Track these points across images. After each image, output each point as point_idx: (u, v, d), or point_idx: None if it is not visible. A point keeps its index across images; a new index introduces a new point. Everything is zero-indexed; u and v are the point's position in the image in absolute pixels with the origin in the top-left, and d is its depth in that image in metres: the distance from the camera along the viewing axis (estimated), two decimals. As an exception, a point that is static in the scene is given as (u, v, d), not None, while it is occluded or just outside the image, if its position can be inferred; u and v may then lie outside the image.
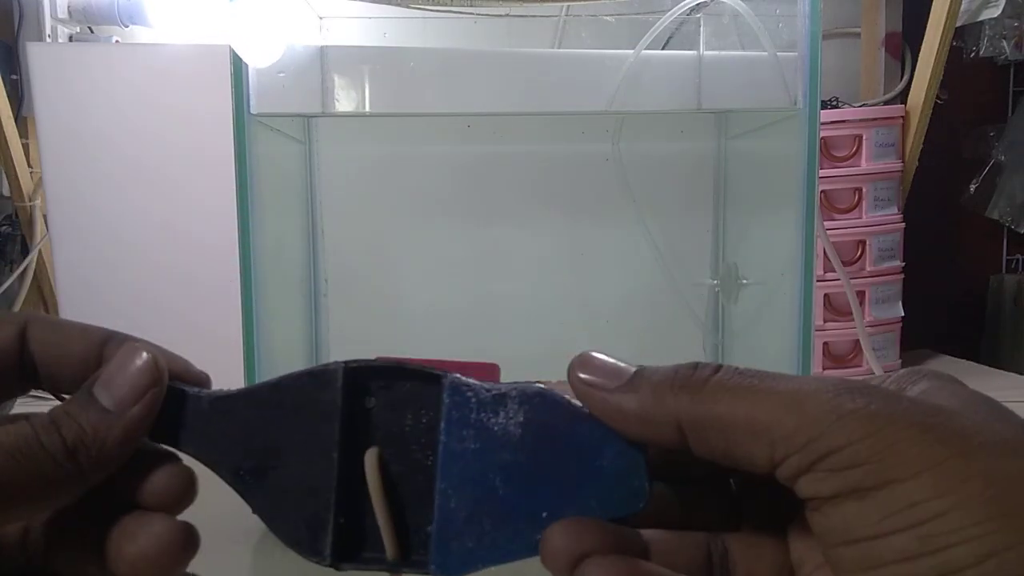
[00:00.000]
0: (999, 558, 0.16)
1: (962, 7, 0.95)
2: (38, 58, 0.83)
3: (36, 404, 0.87)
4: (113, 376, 0.22)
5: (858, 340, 0.92)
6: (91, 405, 0.22)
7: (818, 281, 0.91)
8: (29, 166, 1.03)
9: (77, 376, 0.24)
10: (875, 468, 0.17)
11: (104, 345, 0.25)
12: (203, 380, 0.25)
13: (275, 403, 0.23)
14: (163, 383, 0.23)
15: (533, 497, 0.21)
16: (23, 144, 1.02)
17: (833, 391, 0.18)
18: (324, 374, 0.23)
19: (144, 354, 0.23)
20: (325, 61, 0.71)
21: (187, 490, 0.25)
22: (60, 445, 0.21)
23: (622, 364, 0.21)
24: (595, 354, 0.22)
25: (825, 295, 0.96)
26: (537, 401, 0.22)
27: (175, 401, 0.23)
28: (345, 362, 0.23)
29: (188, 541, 0.24)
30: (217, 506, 0.62)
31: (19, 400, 0.94)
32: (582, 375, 0.21)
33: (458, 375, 0.22)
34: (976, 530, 0.16)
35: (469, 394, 0.22)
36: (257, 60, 0.54)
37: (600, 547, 0.20)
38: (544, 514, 0.21)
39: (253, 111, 0.53)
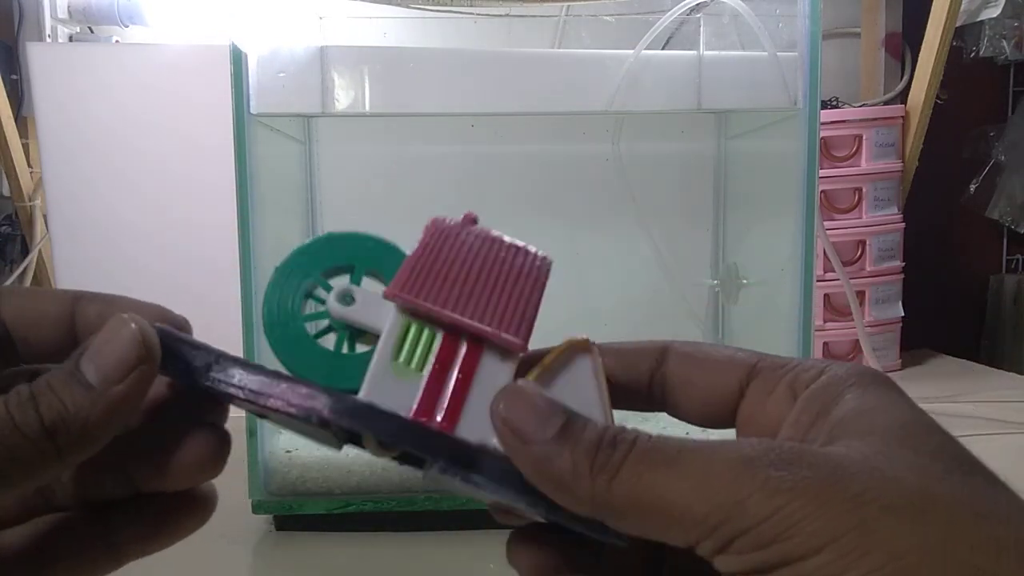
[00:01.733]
0: None
1: (962, 7, 0.95)
2: (38, 58, 0.83)
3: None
4: (100, 349, 0.20)
5: (858, 340, 0.92)
6: (74, 379, 0.20)
7: (818, 281, 0.91)
8: (29, 166, 1.03)
9: (53, 341, 0.23)
10: (779, 548, 0.17)
11: (76, 303, 0.24)
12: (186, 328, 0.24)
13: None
14: (154, 359, 0.21)
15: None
16: (23, 144, 1.02)
17: (739, 466, 0.18)
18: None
19: (132, 326, 0.21)
20: (325, 61, 0.71)
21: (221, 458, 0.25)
22: (37, 424, 0.19)
23: (553, 408, 0.20)
24: (526, 390, 0.21)
25: (825, 295, 0.96)
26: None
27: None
28: None
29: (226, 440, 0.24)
30: (217, 505, 0.62)
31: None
32: (504, 415, 0.20)
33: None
34: None
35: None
36: (255, 57, 0.54)
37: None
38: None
39: (253, 111, 0.53)
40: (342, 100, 0.72)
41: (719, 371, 0.23)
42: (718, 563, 0.18)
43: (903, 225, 0.99)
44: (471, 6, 0.68)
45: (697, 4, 0.64)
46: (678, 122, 0.76)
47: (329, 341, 0.23)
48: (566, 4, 0.75)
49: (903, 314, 1.00)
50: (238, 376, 0.21)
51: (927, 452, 0.18)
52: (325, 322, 0.23)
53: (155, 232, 0.84)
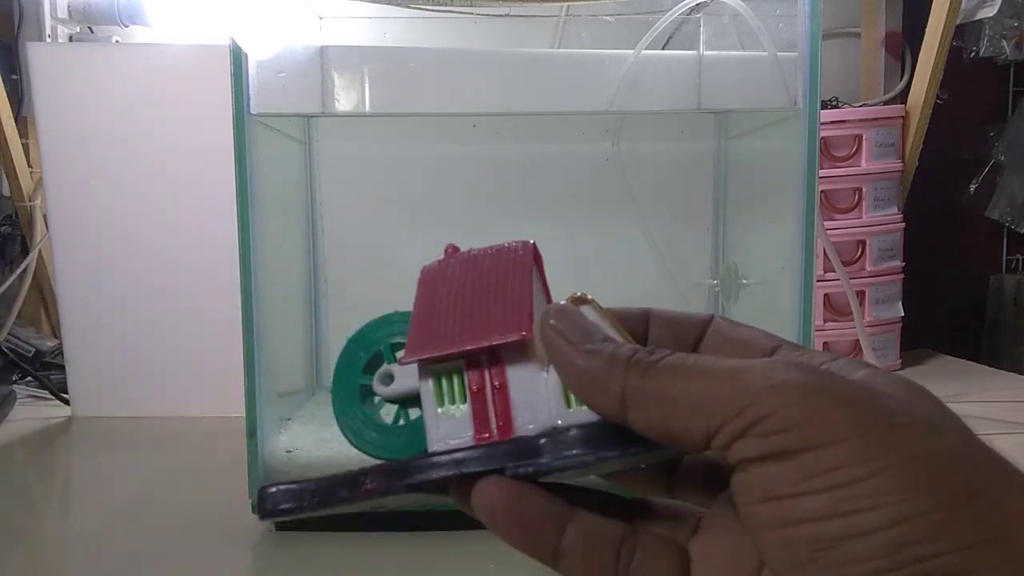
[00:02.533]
0: (910, 524, 0.17)
1: (961, 6, 0.95)
2: (38, 58, 0.83)
3: (36, 404, 0.87)
4: None
5: (858, 340, 0.92)
6: None
7: (818, 281, 0.91)
8: (29, 166, 1.03)
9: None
10: (801, 432, 0.18)
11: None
12: None
13: None
14: None
15: None
16: (23, 144, 1.02)
17: (769, 366, 0.19)
18: None
19: None
20: (325, 61, 0.71)
21: None
22: None
23: (599, 329, 0.23)
24: (580, 309, 0.23)
25: (825, 295, 0.96)
26: None
27: None
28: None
29: None
30: (217, 505, 0.62)
31: (19, 400, 0.94)
32: (552, 322, 0.23)
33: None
34: (891, 497, 0.17)
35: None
36: (255, 57, 0.53)
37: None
38: None
39: (253, 111, 0.53)
40: (342, 100, 0.72)
41: (741, 351, 0.25)
42: (734, 450, 0.19)
43: (903, 225, 0.99)
44: (471, 6, 0.68)
45: (697, 4, 0.64)
46: (678, 122, 0.76)
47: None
48: (566, 4, 0.75)
49: (903, 314, 1.00)
50: (337, 493, 0.25)
51: (940, 409, 0.20)
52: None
53: (155, 232, 0.84)
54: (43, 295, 1.07)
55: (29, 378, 0.93)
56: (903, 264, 1.00)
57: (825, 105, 1.02)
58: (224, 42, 0.52)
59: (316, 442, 0.56)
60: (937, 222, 1.25)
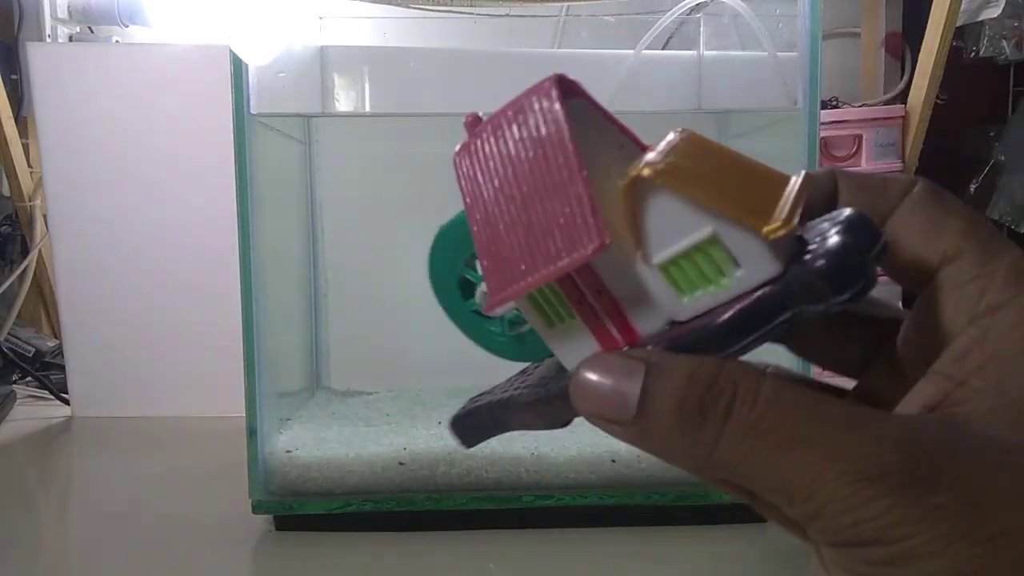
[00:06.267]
0: None
1: (962, 7, 0.95)
2: (38, 58, 0.83)
3: (36, 404, 0.87)
4: None
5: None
6: None
7: (818, 281, 0.91)
8: (29, 166, 1.03)
9: None
10: (893, 573, 0.16)
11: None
12: None
13: None
14: None
15: None
16: (23, 144, 1.02)
17: (870, 477, 0.16)
18: None
19: None
20: (325, 61, 0.71)
21: None
22: None
23: (620, 387, 0.18)
24: (590, 377, 0.19)
25: (825, 295, 0.96)
26: None
27: None
28: None
29: None
30: (217, 506, 0.62)
31: (19, 400, 0.94)
32: (585, 408, 0.19)
33: None
34: None
35: None
36: (255, 57, 0.53)
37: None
38: None
39: (253, 111, 0.53)
40: (342, 100, 0.72)
41: (934, 237, 0.20)
42: (825, 551, 0.18)
43: (903, 225, 0.99)
44: (471, 6, 0.68)
45: (697, 4, 0.64)
46: (678, 122, 0.76)
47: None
48: (566, 4, 0.75)
49: (903, 314, 1.00)
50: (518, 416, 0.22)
51: None
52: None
53: (155, 232, 0.84)
54: (43, 295, 1.07)
55: (29, 378, 0.93)
56: (903, 264, 1.00)
57: (825, 105, 1.02)
58: (224, 42, 0.52)
59: (316, 442, 0.56)
60: (937, 222, 1.25)
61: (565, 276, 0.19)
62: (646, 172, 0.19)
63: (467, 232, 0.21)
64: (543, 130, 0.19)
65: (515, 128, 0.19)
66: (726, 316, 0.18)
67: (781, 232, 0.17)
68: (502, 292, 0.20)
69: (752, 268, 0.18)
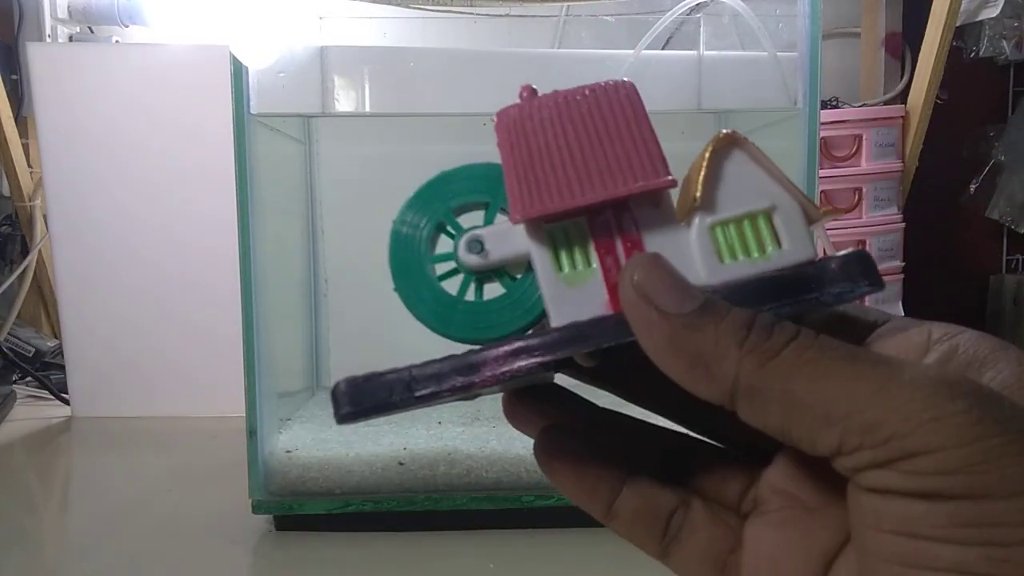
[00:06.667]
0: None
1: (962, 7, 0.95)
2: (38, 58, 0.83)
3: (36, 404, 0.87)
4: None
5: (858, 340, 0.92)
6: None
7: (818, 281, 0.91)
8: (29, 166, 1.03)
9: None
10: (966, 479, 0.15)
11: None
12: None
13: None
14: None
15: None
16: (23, 144, 1.02)
17: (930, 385, 0.16)
18: None
19: None
20: (325, 61, 0.71)
21: None
22: None
23: (688, 285, 0.18)
24: (663, 260, 0.19)
25: (825, 295, 0.96)
26: None
27: None
28: None
29: None
30: (217, 505, 0.62)
31: (19, 399, 0.94)
32: (636, 277, 0.18)
33: None
34: None
35: None
36: (255, 57, 0.53)
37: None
38: None
39: (253, 111, 0.53)
40: (342, 100, 0.72)
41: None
42: (869, 476, 0.16)
43: (903, 225, 0.99)
44: (471, 6, 0.68)
45: (697, 4, 0.64)
46: (678, 122, 0.76)
47: (451, 285, 0.22)
48: (566, 4, 0.75)
49: (903, 314, 1.00)
50: (448, 381, 0.20)
51: None
52: (451, 264, 0.22)
53: (155, 232, 0.84)
54: (43, 295, 1.07)
55: (29, 378, 0.93)
56: (903, 264, 1.00)
57: (825, 105, 1.02)
58: (224, 42, 0.52)
59: (316, 442, 0.56)
60: (937, 222, 1.25)
61: (602, 221, 0.20)
62: (735, 135, 0.21)
63: (440, 191, 0.22)
64: (620, 102, 0.21)
65: (587, 98, 0.21)
66: (767, 277, 0.19)
67: (829, 217, 0.19)
68: (544, 204, 0.20)
69: (793, 247, 0.20)
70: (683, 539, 0.21)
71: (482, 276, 0.22)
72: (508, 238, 0.21)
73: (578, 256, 0.20)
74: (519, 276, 0.21)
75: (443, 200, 0.23)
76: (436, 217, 0.23)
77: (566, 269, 0.20)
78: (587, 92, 0.21)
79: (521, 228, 0.21)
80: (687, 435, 0.23)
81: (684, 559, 0.21)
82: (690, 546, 0.21)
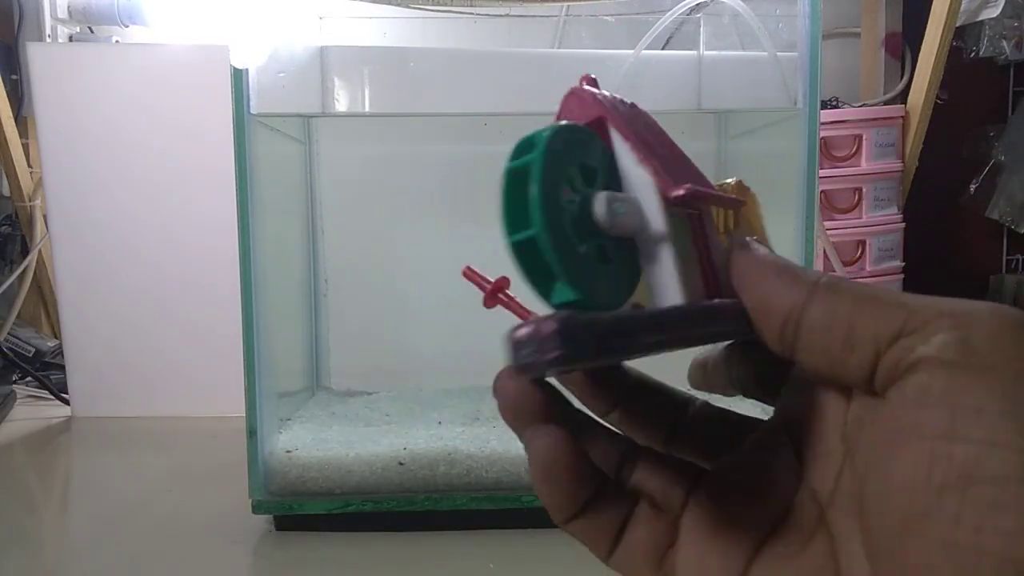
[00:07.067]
0: None
1: (962, 7, 0.95)
2: (38, 58, 0.83)
3: (36, 404, 0.87)
4: None
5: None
6: None
7: (818, 281, 0.91)
8: (29, 166, 1.03)
9: None
10: (1006, 356, 0.17)
11: None
12: None
13: None
14: None
15: None
16: (23, 144, 1.02)
17: (961, 300, 0.18)
18: None
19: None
20: (325, 61, 0.71)
21: None
22: None
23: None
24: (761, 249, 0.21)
25: (825, 295, 0.96)
26: None
27: None
28: None
29: None
30: (217, 505, 0.62)
31: (19, 399, 0.94)
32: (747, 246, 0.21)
33: None
34: None
35: None
36: (255, 57, 0.53)
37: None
38: None
39: (253, 111, 0.53)
40: (342, 100, 0.72)
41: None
42: (919, 350, 0.18)
43: (903, 225, 0.99)
44: (471, 6, 0.68)
45: (697, 4, 0.64)
46: (678, 122, 0.76)
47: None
48: (566, 4, 0.75)
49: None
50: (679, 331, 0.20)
51: None
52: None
53: (155, 232, 0.84)
54: (43, 295, 1.07)
55: (29, 378, 0.93)
56: (903, 264, 1.00)
57: (825, 105, 1.02)
58: (224, 42, 0.52)
59: (316, 442, 0.56)
60: (937, 222, 1.25)
61: (698, 221, 0.21)
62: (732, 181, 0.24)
63: (572, 142, 0.21)
64: (649, 115, 0.23)
65: (635, 105, 0.22)
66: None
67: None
68: (705, 189, 0.21)
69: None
70: (625, 536, 0.22)
71: (601, 240, 0.20)
72: (641, 212, 0.21)
73: (685, 245, 0.21)
74: (616, 251, 0.21)
75: (576, 154, 0.21)
76: (569, 168, 0.20)
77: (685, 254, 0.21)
78: (632, 103, 0.22)
79: (654, 203, 0.20)
80: (632, 440, 0.24)
81: (625, 555, 0.22)
82: (631, 541, 0.22)
